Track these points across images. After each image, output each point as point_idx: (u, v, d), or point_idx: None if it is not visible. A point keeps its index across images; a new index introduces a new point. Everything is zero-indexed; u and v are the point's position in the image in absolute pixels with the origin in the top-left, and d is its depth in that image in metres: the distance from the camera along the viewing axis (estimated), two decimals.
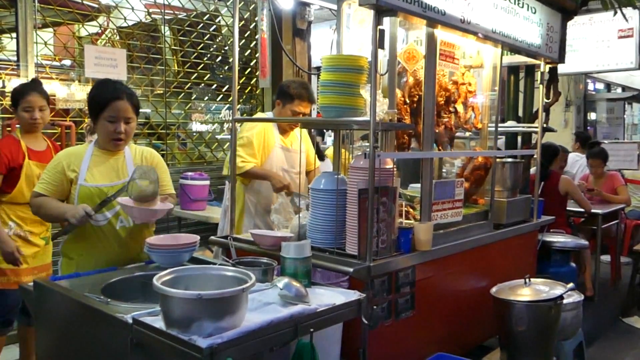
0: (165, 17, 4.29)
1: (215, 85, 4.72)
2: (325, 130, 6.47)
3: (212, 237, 2.64)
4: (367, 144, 2.14)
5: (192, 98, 4.58)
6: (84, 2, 3.86)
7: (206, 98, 4.70)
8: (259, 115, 3.82)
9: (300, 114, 3.03)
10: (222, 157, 4.79)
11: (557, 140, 5.87)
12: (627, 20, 4.96)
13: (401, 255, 2.27)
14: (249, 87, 4.93)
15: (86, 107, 3.78)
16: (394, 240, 2.24)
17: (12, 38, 3.49)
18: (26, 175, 2.73)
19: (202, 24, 4.56)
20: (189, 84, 4.50)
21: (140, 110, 2.34)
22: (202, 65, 4.56)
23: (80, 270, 2.11)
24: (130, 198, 2.07)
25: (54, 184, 2.17)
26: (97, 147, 2.23)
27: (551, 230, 3.85)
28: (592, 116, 10.44)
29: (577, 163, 5.72)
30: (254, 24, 4.81)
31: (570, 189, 4.42)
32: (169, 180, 2.39)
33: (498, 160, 3.06)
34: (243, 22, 4.81)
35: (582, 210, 4.57)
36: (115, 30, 4.09)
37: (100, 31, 4.13)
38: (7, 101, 3.44)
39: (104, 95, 2.15)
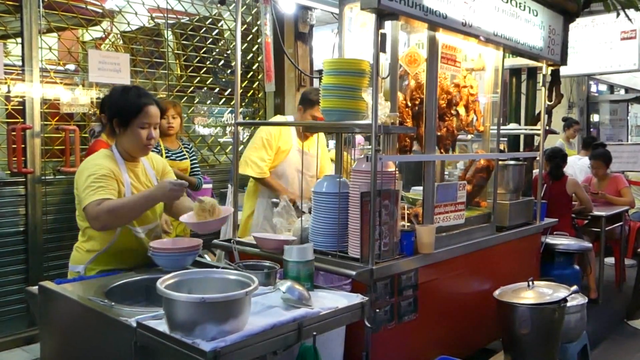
0: (168, 21, 4.32)
1: (217, 89, 4.73)
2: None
3: (215, 241, 2.65)
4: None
5: (195, 102, 4.60)
6: (88, 7, 3.88)
7: (209, 102, 4.71)
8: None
9: (320, 119, 3.10)
10: (224, 161, 4.80)
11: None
12: (631, 21, 4.95)
13: (404, 258, 2.27)
14: (251, 91, 4.94)
15: (90, 111, 3.81)
16: (397, 243, 2.25)
17: (17, 43, 3.51)
18: None
19: (204, 28, 4.58)
20: (192, 87, 4.52)
21: None
22: (204, 69, 4.58)
23: None
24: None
25: (114, 190, 2.01)
26: (120, 156, 2.13)
27: (555, 232, 3.85)
28: (595, 118, 10.42)
29: (576, 165, 5.71)
30: (256, 27, 4.83)
31: (577, 189, 4.48)
32: None
33: (500, 162, 3.06)
34: (245, 26, 4.82)
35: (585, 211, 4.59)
36: (119, 35, 4.11)
37: (103, 36, 4.16)
38: (11, 106, 3.47)
39: (137, 102, 2.06)
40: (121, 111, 2.09)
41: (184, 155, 3.56)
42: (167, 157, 3.42)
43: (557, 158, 4.49)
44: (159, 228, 2.27)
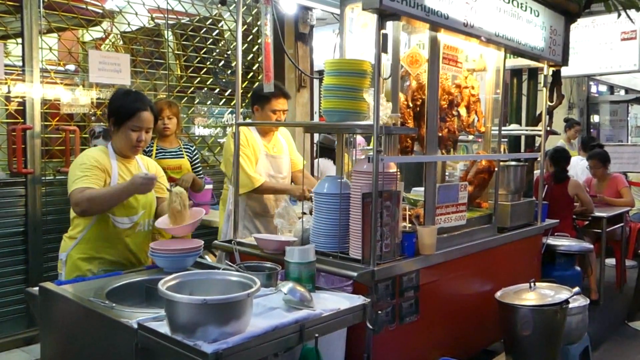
0: (169, 22, 4.31)
1: (218, 89, 4.73)
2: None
3: (216, 242, 2.64)
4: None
5: (195, 102, 4.59)
6: (88, 7, 3.88)
7: (209, 102, 4.70)
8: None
9: (280, 111, 3.07)
10: None
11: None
12: (632, 21, 4.95)
13: (405, 259, 2.27)
14: (252, 91, 4.94)
15: (90, 112, 3.81)
16: (398, 244, 2.24)
17: (17, 43, 3.51)
18: None
19: (204, 29, 4.57)
20: (192, 88, 4.51)
21: None
22: (204, 69, 4.57)
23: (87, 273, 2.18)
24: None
25: (99, 181, 2.17)
26: (114, 152, 2.30)
27: (556, 233, 3.85)
28: (596, 118, 10.42)
29: (578, 166, 5.71)
30: (256, 28, 4.82)
31: (579, 190, 4.48)
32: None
33: (501, 163, 3.06)
34: (245, 26, 4.82)
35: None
36: (119, 35, 4.10)
37: (104, 36, 4.15)
38: (11, 106, 3.46)
39: (132, 106, 2.24)
40: (117, 112, 2.27)
41: (181, 154, 3.54)
42: (158, 154, 3.40)
43: (562, 162, 4.48)
44: (144, 222, 2.32)
